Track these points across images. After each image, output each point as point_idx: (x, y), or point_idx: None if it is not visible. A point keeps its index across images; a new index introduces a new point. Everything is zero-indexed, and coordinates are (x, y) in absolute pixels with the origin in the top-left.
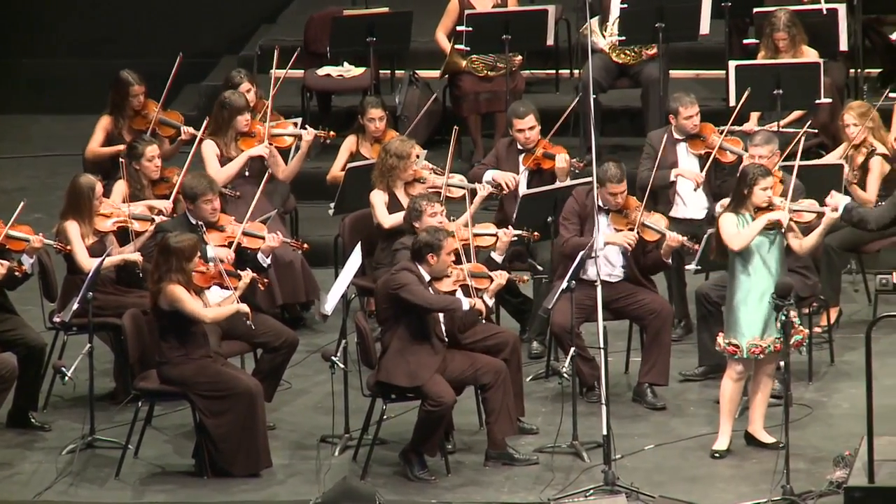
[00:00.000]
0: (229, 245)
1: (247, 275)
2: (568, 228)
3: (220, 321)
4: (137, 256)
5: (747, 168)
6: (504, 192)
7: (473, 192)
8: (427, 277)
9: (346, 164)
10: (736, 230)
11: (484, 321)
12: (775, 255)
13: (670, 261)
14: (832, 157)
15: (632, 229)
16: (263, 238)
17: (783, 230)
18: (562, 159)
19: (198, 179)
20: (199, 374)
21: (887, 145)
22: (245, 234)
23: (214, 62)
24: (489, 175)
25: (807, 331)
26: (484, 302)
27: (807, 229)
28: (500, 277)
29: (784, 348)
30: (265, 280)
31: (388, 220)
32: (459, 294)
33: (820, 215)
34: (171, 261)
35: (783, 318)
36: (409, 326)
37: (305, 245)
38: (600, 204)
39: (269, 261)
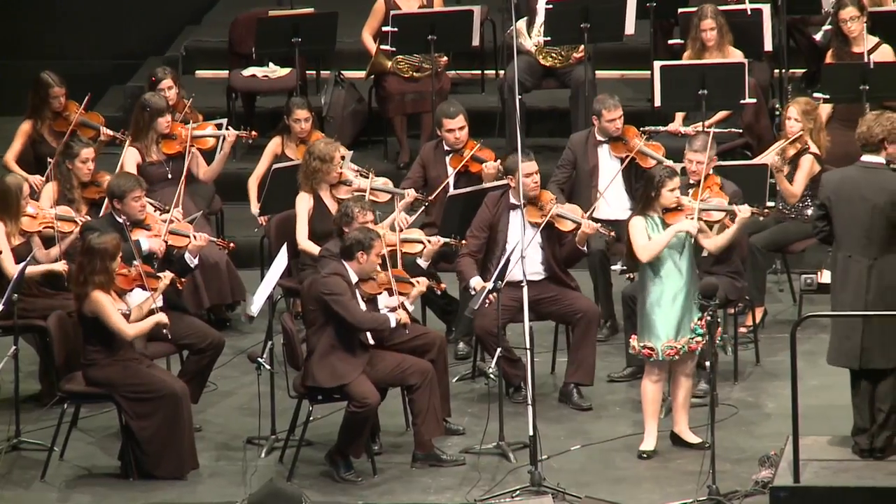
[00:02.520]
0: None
1: (166, 276)
2: (469, 243)
3: (144, 334)
4: (62, 266)
5: (654, 170)
6: (431, 198)
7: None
8: (355, 278)
9: (269, 166)
10: (645, 240)
11: (407, 331)
12: (686, 257)
13: (585, 248)
14: (764, 157)
15: (544, 218)
16: (189, 237)
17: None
18: (490, 166)
19: (125, 178)
20: (124, 376)
21: (821, 148)
22: (171, 232)
23: (139, 63)
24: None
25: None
26: (405, 307)
27: (724, 227)
28: (421, 285)
29: (709, 348)
30: (182, 281)
31: (305, 242)
32: (385, 298)
33: (730, 214)
34: (94, 261)
35: (709, 318)
36: (336, 330)
37: (232, 244)
38: (515, 201)
39: (196, 261)
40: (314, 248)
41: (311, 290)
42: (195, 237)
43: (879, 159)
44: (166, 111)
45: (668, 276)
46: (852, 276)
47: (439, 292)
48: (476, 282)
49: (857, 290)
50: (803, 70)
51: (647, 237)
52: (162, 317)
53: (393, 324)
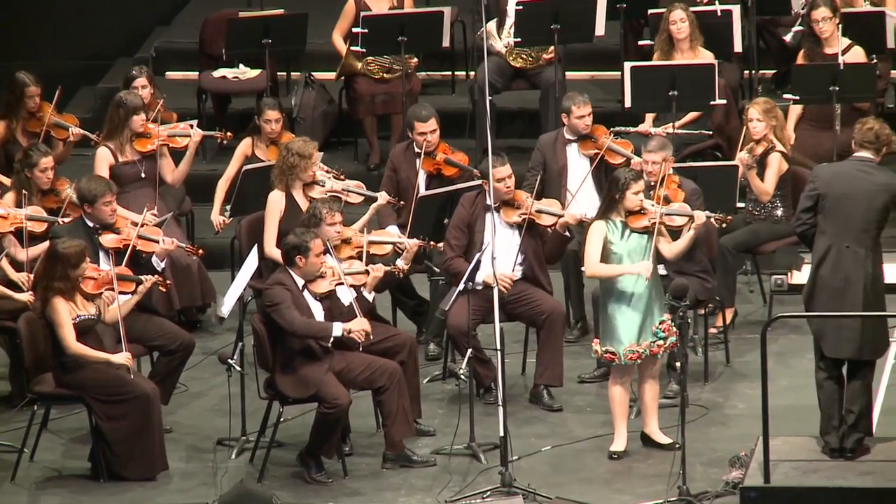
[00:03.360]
0: (124, 248)
1: (148, 279)
2: (452, 246)
3: (85, 359)
4: (28, 297)
5: (618, 172)
6: (401, 204)
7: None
8: (301, 282)
9: (240, 168)
10: (597, 254)
11: (360, 348)
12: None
13: (568, 233)
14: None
15: (524, 216)
16: (158, 241)
17: (653, 235)
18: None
19: (95, 182)
20: (94, 378)
21: (786, 145)
22: (140, 237)
23: (110, 64)
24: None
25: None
26: (363, 297)
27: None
28: (377, 271)
29: (680, 349)
30: (167, 283)
31: (273, 250)
32: (344, 292)
33: (692, 219)
34: (56, 267)
35: (679, 318)
36: (291, 339)
37: (201, 251)
38: (490, 202)
39: (163, 264)
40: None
41: (261, 301)
42: (163, 241)
43: (871, 156)
44: (141, 109)
45: (630, 280)
46: (849, 266)
47: (400, 276)
48: (482, 275)
49: (857, 281)
50: (773, 71)
51: (600, 249)
52: (121, 358)
53: (337, 333)
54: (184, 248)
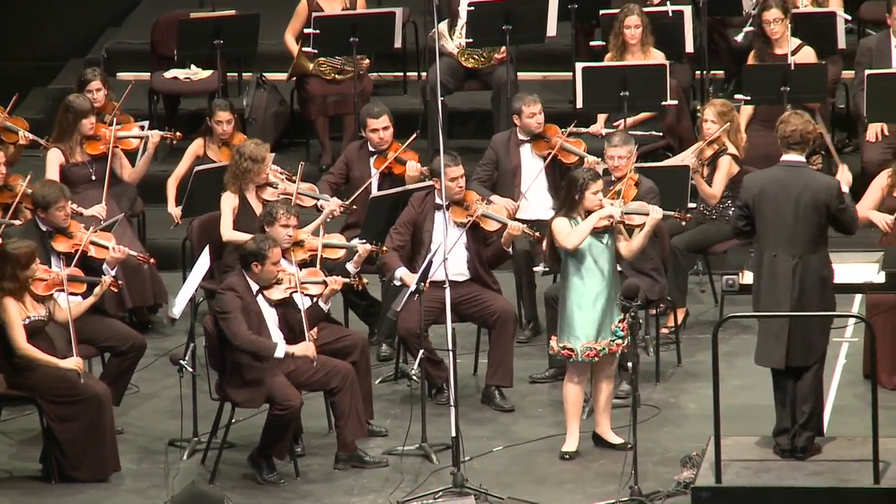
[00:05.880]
0: (76, 252)
1: (105, 281)
2: (392, 238)
3: (33, 362)
4: None
5: (577, 173)
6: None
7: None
8: (255, 287)
9: (190, 167)
10: (569, 230)
11: (315, 364)
12: (607, 258)
13: (511, 250)
14: (680, 158)
15: (470, 218)
16: (109, 248)
17: (614, 232)
18: (412, 167)
19: (49, 187)
20: (46, 379)
21: (740, 148)
22: (92, 242)
23: (61, 65)
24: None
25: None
26: (318, 306)
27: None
28: (335, 283)
29: (631, 349)
30: (120, 283)
31: (230, 234)
32: (300, 298)
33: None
34: (5, 267)
35: (630, 319)
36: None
37: (153, 259)
38: (440, 201)
39: (113, 272)
40: (242, 236)
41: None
42: (114, 249)
43: (801, 158)
44: (90, 113)
45: (590, 276)
46: (780, 275)
47: (359, 288)
48: (402, 272)
49: (785, 289)
50: (724, 71)
51: (570, 230)
52: (70, 363)
53: (280, 354)
54: (135, 256)
